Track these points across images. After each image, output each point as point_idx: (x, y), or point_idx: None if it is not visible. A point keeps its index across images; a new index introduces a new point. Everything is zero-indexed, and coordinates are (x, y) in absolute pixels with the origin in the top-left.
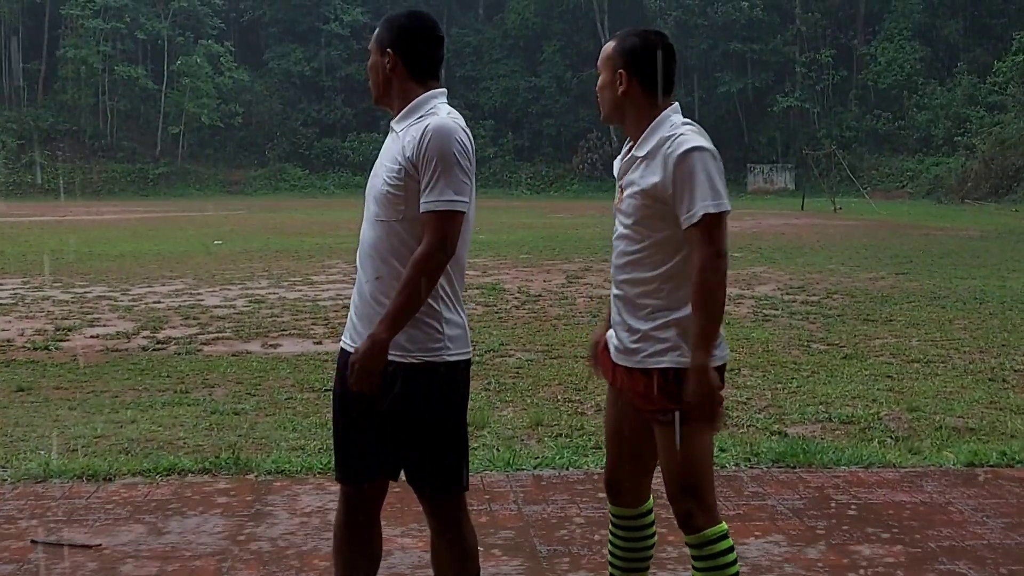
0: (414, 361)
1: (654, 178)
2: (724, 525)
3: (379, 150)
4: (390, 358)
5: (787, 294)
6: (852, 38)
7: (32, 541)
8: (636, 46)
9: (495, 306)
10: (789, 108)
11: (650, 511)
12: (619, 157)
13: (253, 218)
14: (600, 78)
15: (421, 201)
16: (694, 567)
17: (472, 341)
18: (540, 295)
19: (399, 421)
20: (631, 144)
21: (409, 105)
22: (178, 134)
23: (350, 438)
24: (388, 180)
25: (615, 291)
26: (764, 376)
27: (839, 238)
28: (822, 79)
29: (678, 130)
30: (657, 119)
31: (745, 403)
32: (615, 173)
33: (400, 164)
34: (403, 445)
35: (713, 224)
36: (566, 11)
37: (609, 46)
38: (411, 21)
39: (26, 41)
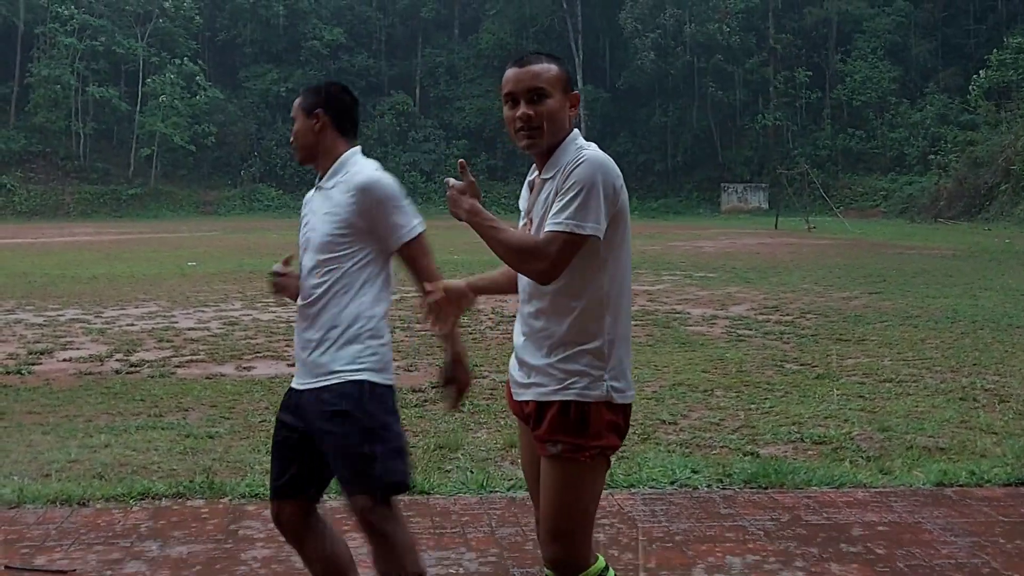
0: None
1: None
2: (601, 562)
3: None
4: (351, 378)
5: (761, 314)
6: (826, 58)
7: (7, 567)
8: (566, 66)
9: (469, 327)
10: (763, 128)
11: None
12: (526, 186)
13: (227, 239)
14: (549, 102)
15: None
16: None
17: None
18: (514, 315)
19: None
20: (537, 168)
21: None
22: (151, 155)
23: (289, 460)
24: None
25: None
26: (737, 396)
27: (813, 257)
28: (796, 99)
29: (581, 142)
30: (569, 136)
31: (718, 424)
32: (522, 204)
33: None
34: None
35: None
36: (540, 31)
37: (551, 68)
38: (334, 87)
39: None
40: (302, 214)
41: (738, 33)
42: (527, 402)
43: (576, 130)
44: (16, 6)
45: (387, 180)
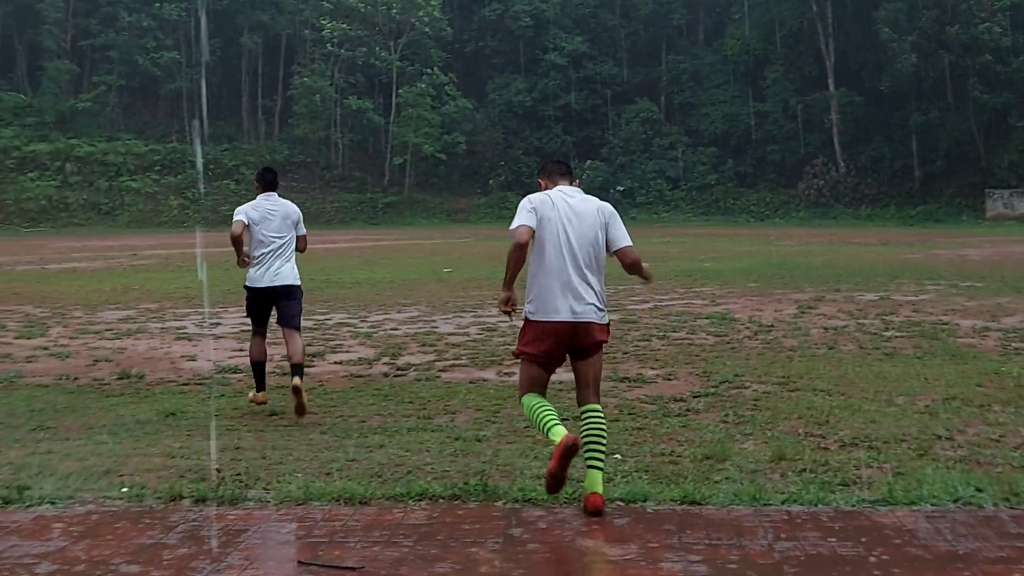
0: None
1: None
2: (525, 399)
3: (601, 178)
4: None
5: None
6: None
7: (300, 562)
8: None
9: (726, 336)
10: None
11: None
12: None
13: (479, 246)
14: None
15: None
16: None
17: (705, 372)
18: (772, 325)
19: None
20: None
21: None
22: (403, 164)
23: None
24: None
25: None
26: (1017, 412)
27: None
28: None
29: None
30: None
31: (998, 440)
32: None
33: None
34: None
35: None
36: (788, 35)
37: None
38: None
39: (265, 78)
40: None
41: (1008, 32)
42: None
43: (552, 188)
44: (278, 20)
45: None
